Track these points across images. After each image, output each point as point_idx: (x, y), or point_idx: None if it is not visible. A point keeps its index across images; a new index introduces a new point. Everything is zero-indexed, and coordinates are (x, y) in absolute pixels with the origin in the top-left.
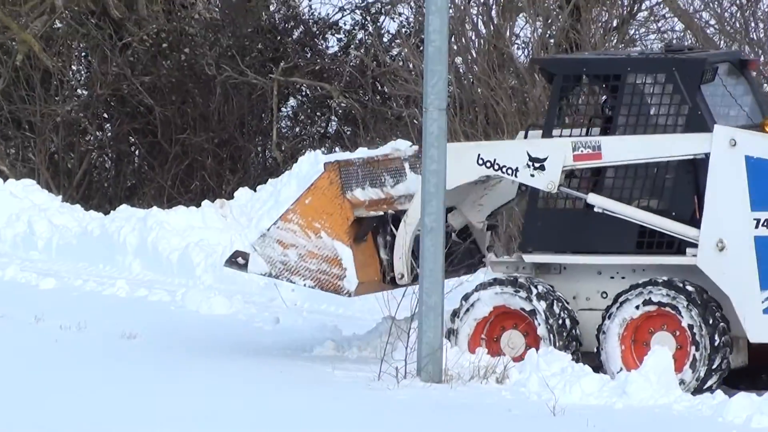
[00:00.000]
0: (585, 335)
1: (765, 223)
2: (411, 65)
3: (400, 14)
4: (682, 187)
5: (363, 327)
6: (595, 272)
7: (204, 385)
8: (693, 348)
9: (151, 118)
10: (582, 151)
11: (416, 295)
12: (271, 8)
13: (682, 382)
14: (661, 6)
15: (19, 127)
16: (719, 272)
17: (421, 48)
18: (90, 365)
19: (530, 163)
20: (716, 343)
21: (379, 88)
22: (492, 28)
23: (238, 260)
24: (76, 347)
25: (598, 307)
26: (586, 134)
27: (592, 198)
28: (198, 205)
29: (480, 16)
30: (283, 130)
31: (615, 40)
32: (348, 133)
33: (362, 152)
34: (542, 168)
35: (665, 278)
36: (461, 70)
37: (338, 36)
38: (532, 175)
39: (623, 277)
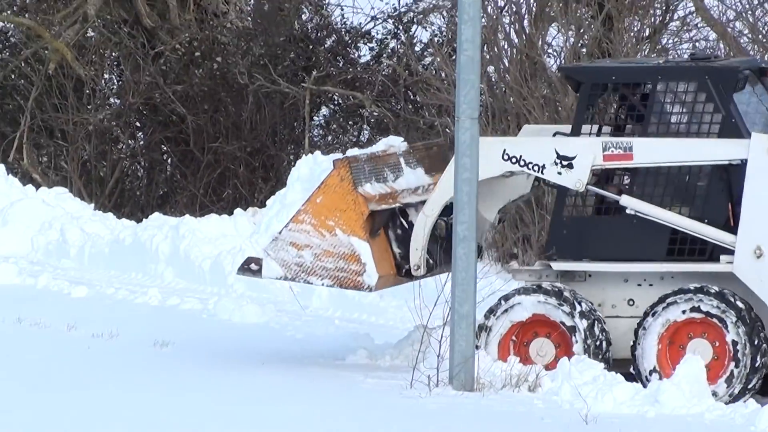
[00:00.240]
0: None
1: None
2: (443, 74)
3: (432, 23)
4: (716, 193)
5: (395, 335)
6: (621, 279)
7: (235, 394)
8: (732, 364)
9: (183, 127)
10: (612, 151)
11: (448, 304)
12: (304, 17)
13: (714, 393)
14: (694, 15)
15: (52, 135)
16: (757, 279)
17: (454, 57)
18: (122, 373)
19: (558, 161)
20: (757, 364)
21: (412, 97)
22: (524, 37)
23: (251, 266)
24: (107, 355)
25: (624, 315)
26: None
27: (626, 200)
28: (230, 213)
29: (512, 26)
30: (315, 138)
31: (647, 50)
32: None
33: (354, 151)
34: (570, 166)
35: (716, 289)
36: (493, 79)
37: (370, 45)
38: (560, 173)
39: (651, 285)
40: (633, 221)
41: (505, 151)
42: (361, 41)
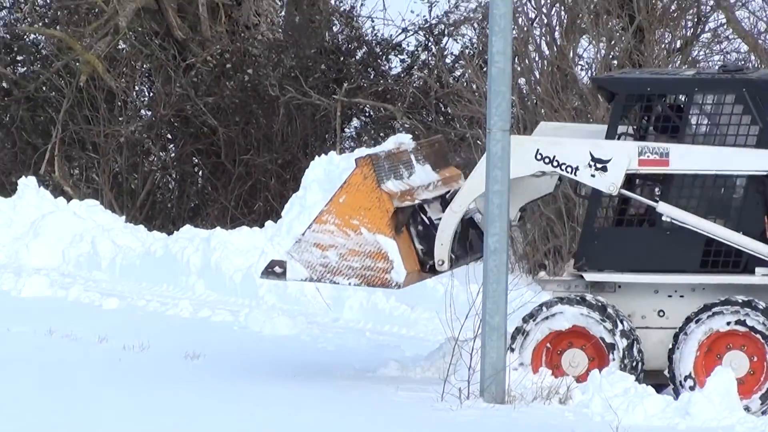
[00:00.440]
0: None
1: None
2: (474, 86)
3: (463, 35)
4: (752, 205)
5: (426, 348)
6: (652, 291)
7: (267, 406)
8: None
9: (214, 139)
10: (648, 156)
11: (479, 316)
12: (335, 29)
13: (747, 408)
14: (725, 27)
15: (83, 147)
16: None
17: (485, 69)
18: (153, 385)
19: (592, 163)
20: None
21: (443, 108)
22: (555, 49)
23: (275, 269)
24: (139, 367)
25: (653, 326)
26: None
27: (663, 207)
28: (261, 225)
29: (543, 38)
30: (346, 150)
31: (678, 61)
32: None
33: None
34: (605, 169)
35: (765, 305)
36: (524, 91)
37: (401, 57)
38: (593, 176)
39: (681, 296)
40: (666, 232)
41: (538, 150)
42: (392, 53)
